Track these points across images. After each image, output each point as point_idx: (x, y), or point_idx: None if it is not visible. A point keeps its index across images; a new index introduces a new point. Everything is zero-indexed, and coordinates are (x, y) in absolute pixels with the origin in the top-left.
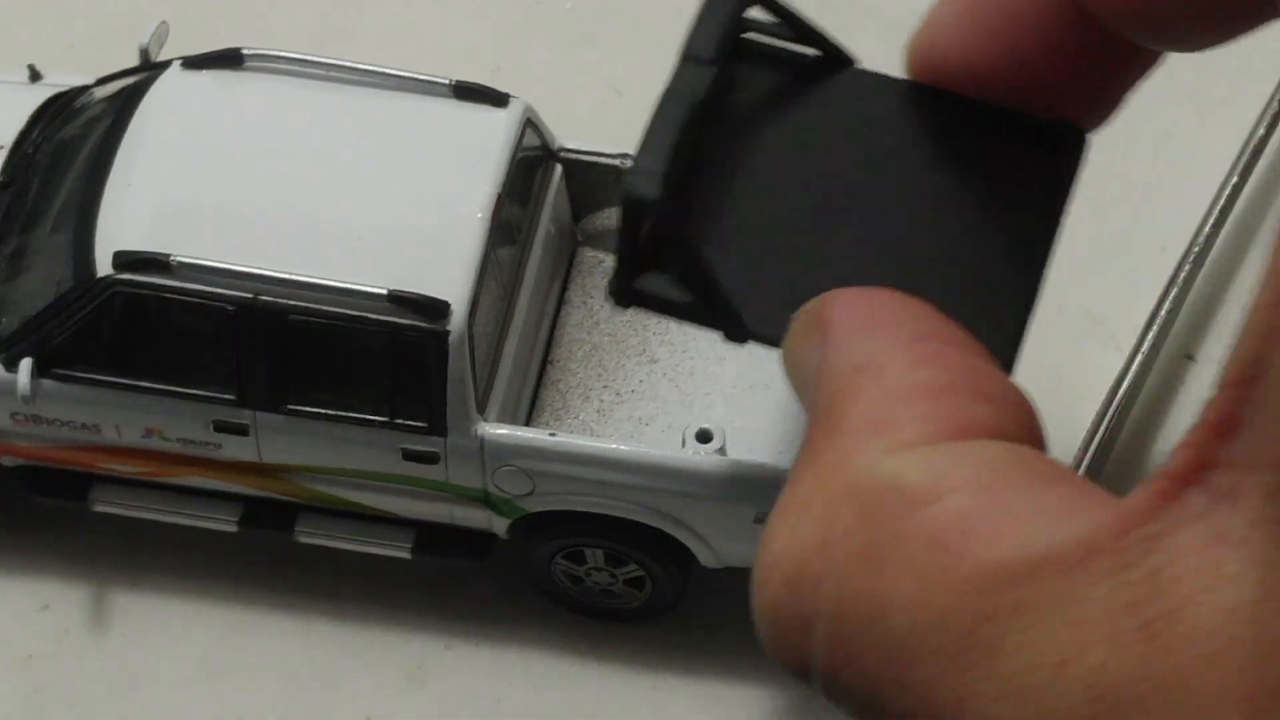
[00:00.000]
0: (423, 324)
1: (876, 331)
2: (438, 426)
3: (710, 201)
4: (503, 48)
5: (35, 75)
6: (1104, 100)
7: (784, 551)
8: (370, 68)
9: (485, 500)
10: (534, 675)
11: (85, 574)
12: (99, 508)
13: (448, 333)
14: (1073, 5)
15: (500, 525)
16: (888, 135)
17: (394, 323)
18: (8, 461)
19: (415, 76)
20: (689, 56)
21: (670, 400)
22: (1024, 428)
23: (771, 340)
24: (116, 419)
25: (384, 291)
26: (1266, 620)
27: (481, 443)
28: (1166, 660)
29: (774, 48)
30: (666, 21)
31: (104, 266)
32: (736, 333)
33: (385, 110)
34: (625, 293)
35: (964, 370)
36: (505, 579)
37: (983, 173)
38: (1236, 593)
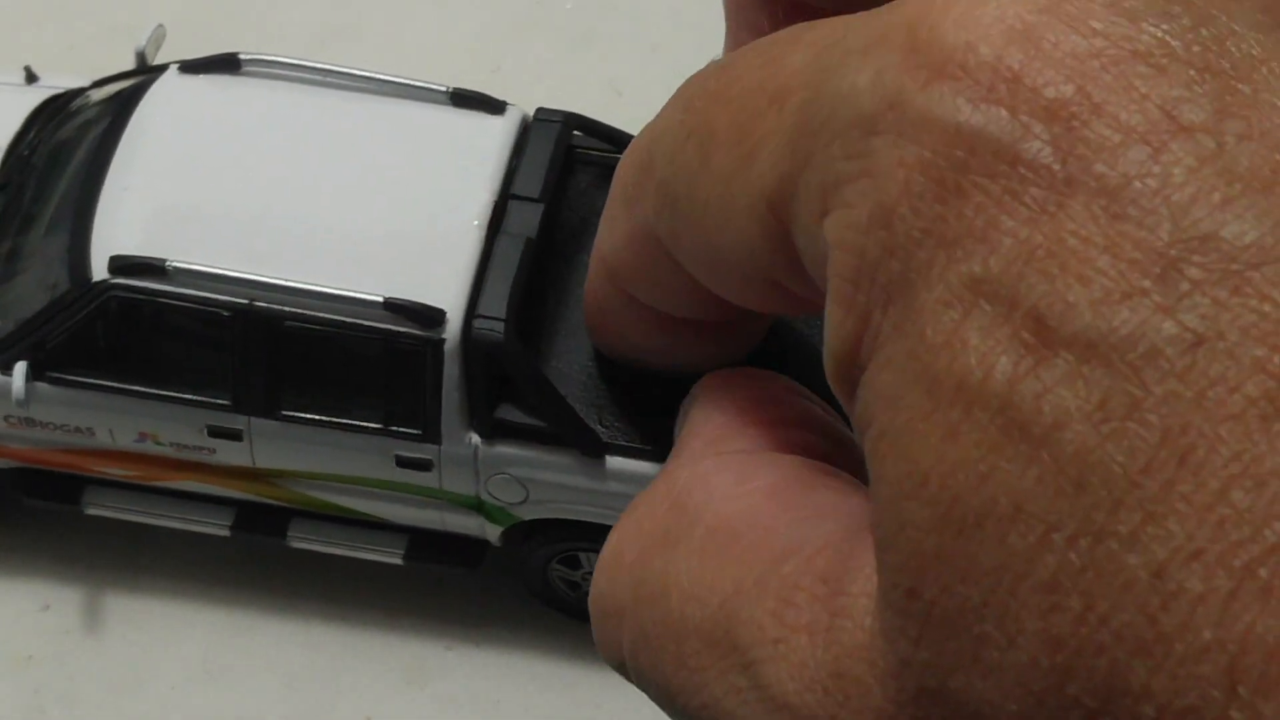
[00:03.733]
0: (418, 332)
1: (726, 383)
2: (432, 434)
3: (554, 327)
4: (503, 48)
5: (31, 77)
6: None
7: (607, 549)
8: (368, 74)
9: (478, 507)
10: (535, 676)
11: (85, 575)
12: (92, 511)
13: (443, 340)
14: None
15: (493, 532)
16: None
17: (389, 330)
18: (1, 464)
19: (412, 83)
20: (517, 196)
21: None
22: (842, 452)
23: (626, 450)
24: (111, 423)
25: (380, 299)
26: (887, 621)
27: (475, 451)
28: (842, 639)
29: (602, 159)
30: (666, 21)
31: (100, 271)
32: (593, 448)
33: (382, 117)
34: (486, 425)
35: (794, 406)
36: (505, 581)
37: None
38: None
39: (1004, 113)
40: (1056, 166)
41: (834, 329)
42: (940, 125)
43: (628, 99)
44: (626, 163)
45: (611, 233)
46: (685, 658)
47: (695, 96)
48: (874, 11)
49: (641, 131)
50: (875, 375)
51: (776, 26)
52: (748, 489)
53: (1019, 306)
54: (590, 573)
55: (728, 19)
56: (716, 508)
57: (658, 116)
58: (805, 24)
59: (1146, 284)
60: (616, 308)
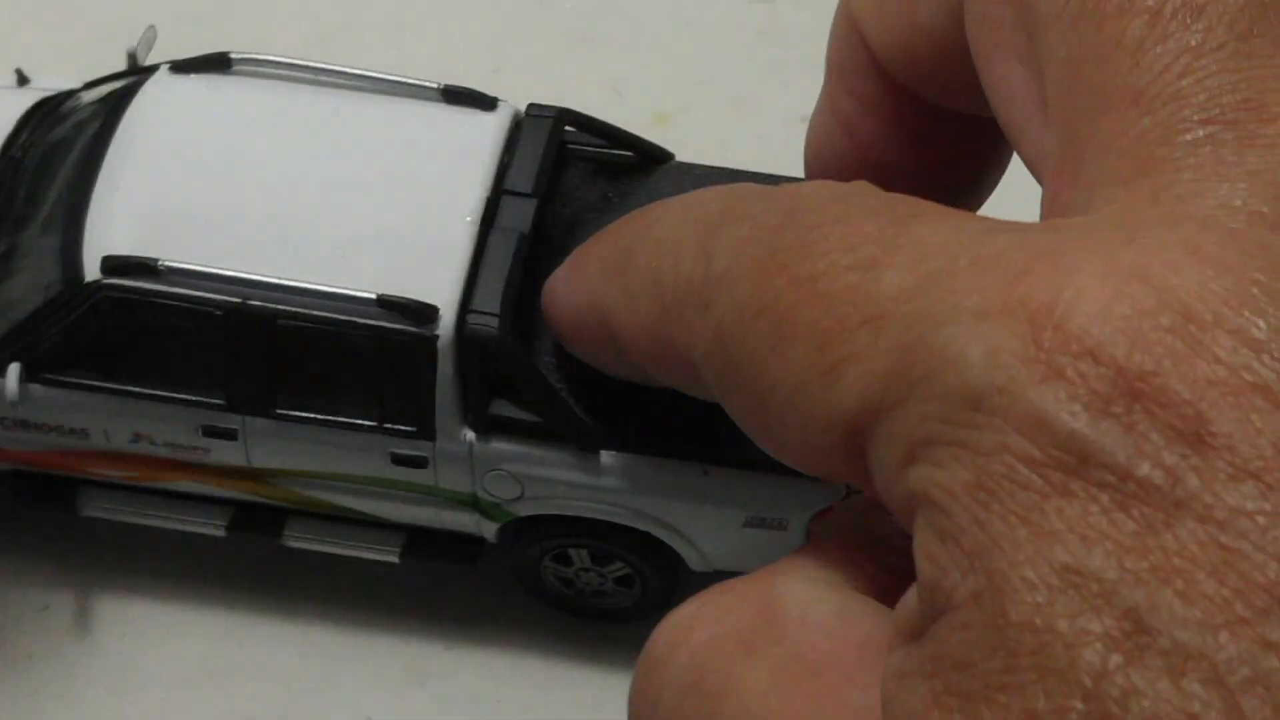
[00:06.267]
0: (411, 328)
1: (853, 514)
2: (426, 431)
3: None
4: (503, 48)
5: (23, 79)
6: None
7: (677, 613)
8: (359, 72)
9: (474, 504)
10: (535, 675)
11: (85, 575)
12: (87, 513)
13: (436, 337)
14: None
15: (489, 529)
16: None
17: (383, 327)
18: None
19: (404, 80)
20: (510, 192)
21: None
22: None
23: (621, 445)
24: (105, 424)
25: (373, 296)
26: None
27: (470, 447)
28: None
29: (595, 155)
30: (666, 21)
31: (92, 271)
32: (590, 442)
33: (374, 114)
34: (481, 421)
35: (905, 555)
36: (505, 579)
37: None
38: None
39: (1120, 430)
40: (1166, 488)
41: (919, 570)
42: (1052, 428)
43: (628, 99)
44: (670, 262)
45: (631, 310)
46: None
47: (770, 259)
48: (992, 259)
49: (685, 213)
50: (947, 633)
51: (876, 101)
52: (843, 633)
53: (1114, 604)
54: (582, 568)
55: (827, 75)
56: (807, 637)
57: (720, 223)
58: (902, 209)
59: (1249, 615)
60: (607, 355)
